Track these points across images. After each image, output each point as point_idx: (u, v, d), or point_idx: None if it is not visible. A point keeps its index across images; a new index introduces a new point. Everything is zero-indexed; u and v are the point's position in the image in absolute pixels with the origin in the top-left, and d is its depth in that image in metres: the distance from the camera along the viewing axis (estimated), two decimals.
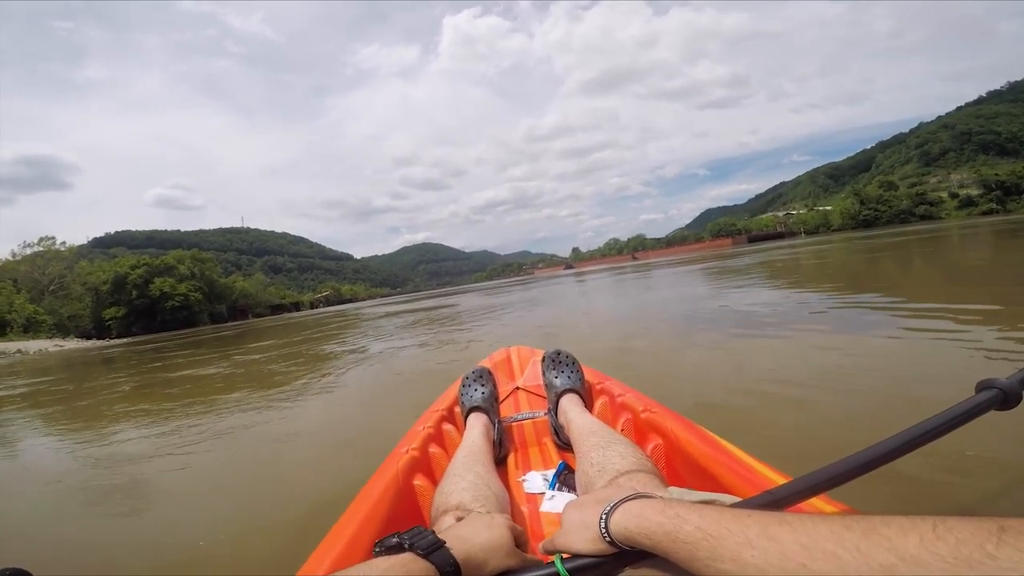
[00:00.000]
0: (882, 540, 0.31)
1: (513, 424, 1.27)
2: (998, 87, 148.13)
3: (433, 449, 1.09)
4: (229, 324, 42.56)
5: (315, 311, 54.45)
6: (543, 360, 1.29)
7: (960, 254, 9.02)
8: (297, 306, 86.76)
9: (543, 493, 1.00)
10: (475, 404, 1.20)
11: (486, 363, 1.49)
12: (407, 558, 0.49)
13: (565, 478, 1.02)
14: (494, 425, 1.16)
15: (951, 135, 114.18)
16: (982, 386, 0.70)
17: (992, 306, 3.42)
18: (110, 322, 46.72)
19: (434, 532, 0.54)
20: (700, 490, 0.61)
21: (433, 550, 0.51)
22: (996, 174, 74.19)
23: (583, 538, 0.52)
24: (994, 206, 67.43)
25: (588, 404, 1.18)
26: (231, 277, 78.02)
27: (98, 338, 41.90)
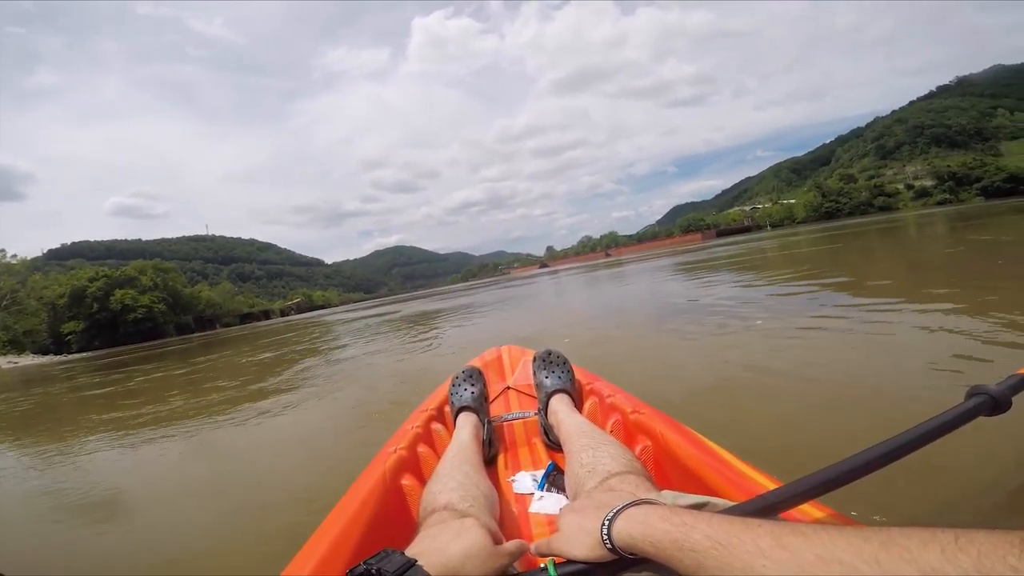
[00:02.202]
0: (902, 552, 0.30)
1: (503, 424, 1.26)
2: (947, 82, 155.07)
3: (421, 449, 1.08)
4: (196, 335, 41.26)
5: (286, 319, 53.33)
6: (534, 360, 1.29)
7: (917, 243, 9.42)
8: (267, 314, 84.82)
9: (532, 494, 1.00)
10: (464, 404, 1.19)
11: (476, 363, 1.48)
12: None
13: (554, 479, 1.01)
14: (483, 425, 1.15)
15: (905, 129, 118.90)
16: (972, 392, 0.72)
17: (945, 291, 3.56)
18: (69, 336, 44.79)
19: (402, 552, 0.52)
20: (690, 493, 0.60)
21: (403, 571, 0.49)
22: (948, 166, 78.11)
23: (582, 544, 0.51)
24: (947, 196, 70.87)
25: (578, 404, 1.18)
26: (197, 287, 75.69)
27: (56, 353, 40.13)
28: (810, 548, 0.34)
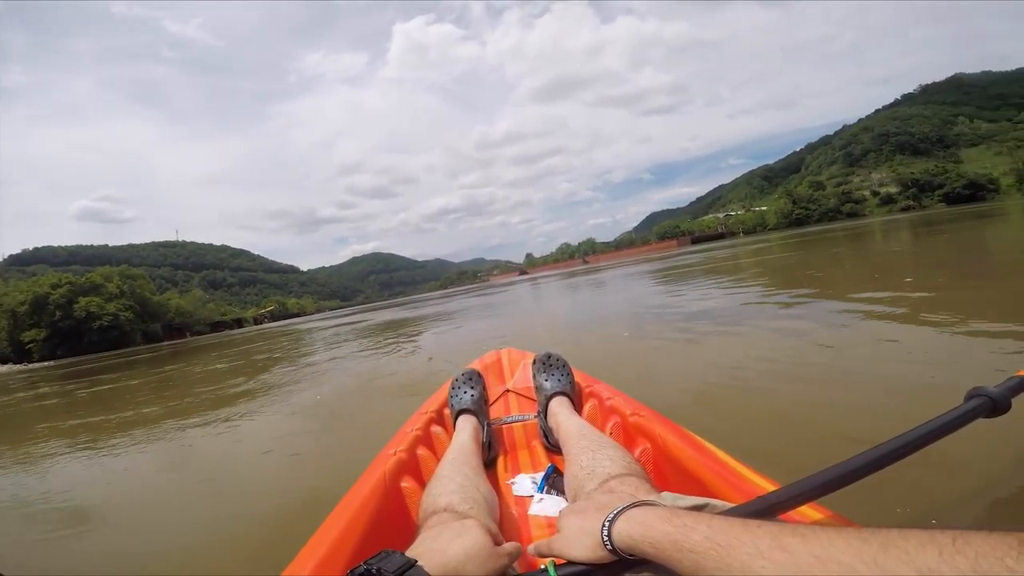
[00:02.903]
0: (900, 553, 0.30)
1: (503, 426, 1.26)
2: (911, 90, 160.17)
3: (421, 451, 1.08)
4: (165, 344, 40.04)
5: (259, 327, 52.25)
6: (533, 363, 1.30)
7: (883, 247, 9.79)
8: (240, 322, 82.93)
9: (532, 496, 1.00)
10: (464, 406, 1.19)
11: (476, 365, 1.48)
12: None
13: (554, 481, 1.01)
14: (483, 427, 1.15)
15: (871, 136, 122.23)
16: (971, 394, 0.73)
17: (900, 292, 3.71)
18: (30, 345, 42.95)
19: (403, 553, 0.53)
20: (689, 495, 0.61)
21: (403, 571, 0.49)
22: (912, 173, 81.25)
23: (582, 545, 0.51)
24: (911, 203, 73.61)
25: (577, 407, 1.19)
26: (166, 294, 73.39)
27: (16, 362, 38.41)
28: (808, 549, 0.34)
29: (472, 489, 0.80)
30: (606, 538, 0.48)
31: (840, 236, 16.95)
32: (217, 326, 73.00)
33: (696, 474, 0.79)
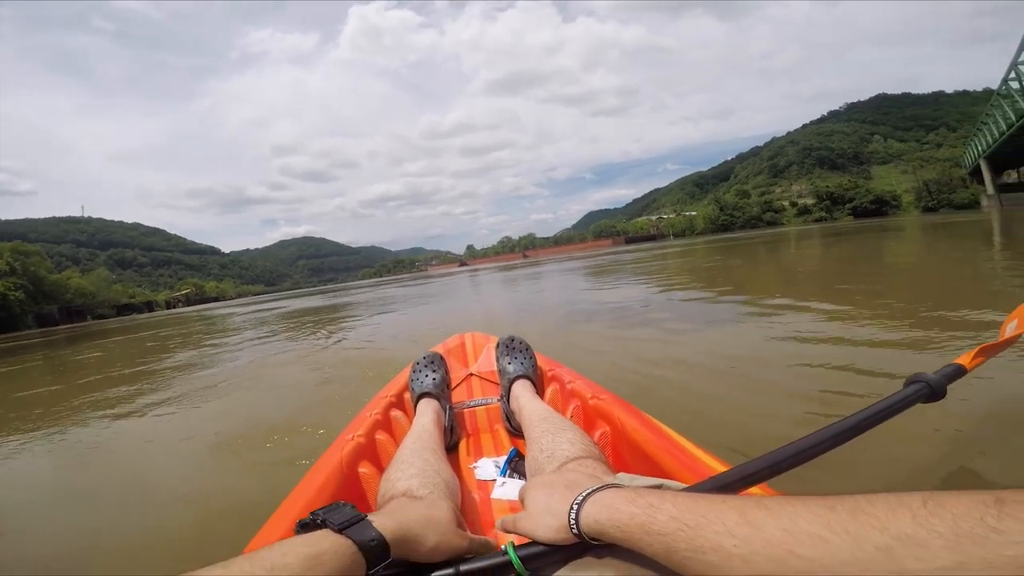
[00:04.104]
0: (871, 519, 0.30)
1: (465, 410, 1.24)
2: (838, 107, 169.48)
3: (380, 436, 1.05)
4: (62, 327, 36.23)
5: (172, 311, 48.56)
6: (497, 346, 1.29)
7: (795, 253, 10.70)
8: (150, 306, 76.73)
9: (494, 480, 0.99)
10: (425, 390, 1.16)
11: (439, 349, 1.45)
12: (320, 535, 0.46)
13: (516, 465, 1.01)
14: (445, 411, 1.13)
15: (796, 150, 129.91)
16: (911, 380, 0.76)
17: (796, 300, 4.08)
18: None
19: (354, 507, 0.51)
20: (646, 476, 0.60)
21: (349, 524, 0.47)
22: (827, 186, 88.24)
23: (547, 525, 0.50)
24: (824, 214, 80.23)
25: (540, 390, 1.19)
26: (64, 273, 66.51)
27: None
28: (777, 523, 0.33)
29: (432, 473, 0.78)
30: (573, 522, 0.47)
31: (758, 243, 18.32)
32: (124, 309, 67.16)
33: (653, 456, 0.81)
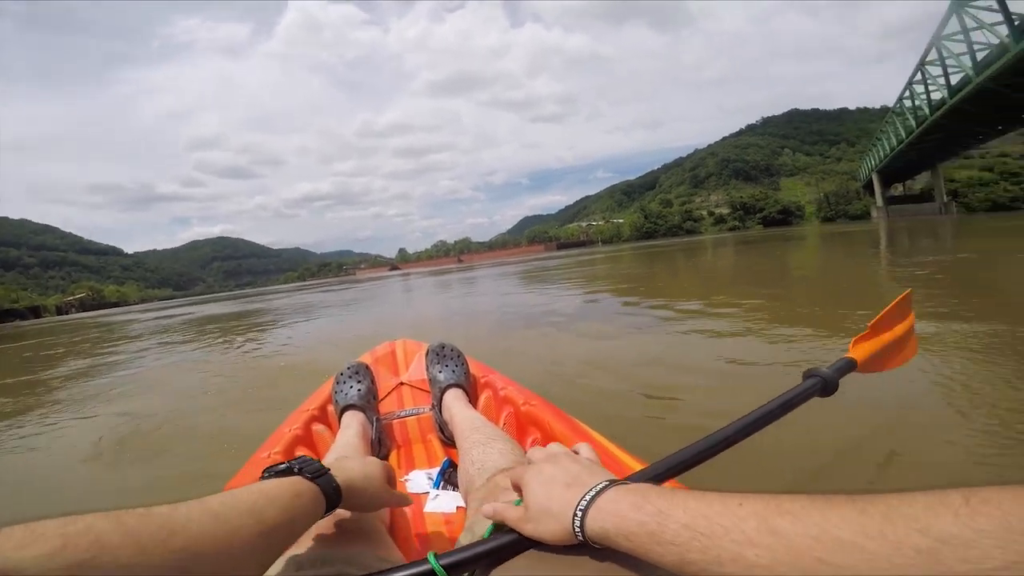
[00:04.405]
0: (909, 521, 0.27)
1: (395, 421, 1.20)
2: (755, 121, 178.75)
3: (301, 452, 0.99)
4: None
5: (64, 317, 43.65)
6: (427, 354, 1.25)
7: (710, 260, 11.55)
8: (36, 311, 68.59)
9: (427, 492, 0.97)
10: (350, 402, 1.11)
11: (366, 358, 1.39)
12: (296, 480, 0.50)
13: (450, 476, 0.99)
14: (372, 423, 1.08)
15: (715, 161, 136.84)
16: (807, 375, 0.80)
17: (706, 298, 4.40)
18: None
19: (320, 463, 0.56)
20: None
21: (319, 475, 0.53)
22: (741, 197, 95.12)
23: (549, 529, 0.46)
24: (737, 223, 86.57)
25: (473, 398, 1.18)
26: None
27: None
28: (802, 529, 0.31)
29: None
30: (578, 529, 0.44)
31: (678, 250, 19.49)
32: (6, 315, 59.38)
33: None
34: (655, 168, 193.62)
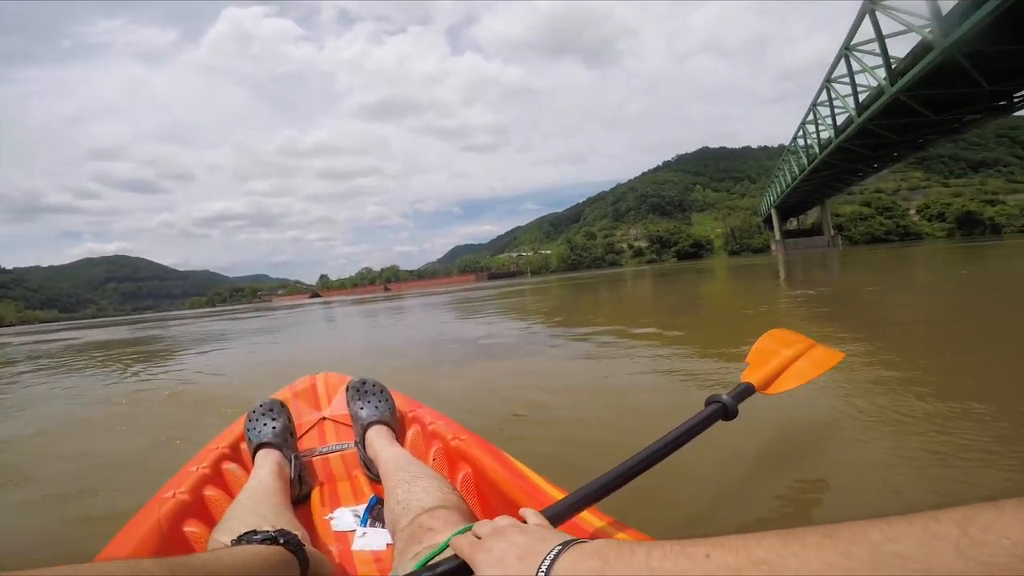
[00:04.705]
0: (904, 563, 0.24)
1: (318, 458, 1.15)
2: (670, 158, 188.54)
3: (210, 492, 0.93)
4: None
5: None
6: (347, 390, 1.22)
7: (629, 291, 12.17)
8: None
9: (354, 531, 0.94)
10: (263, 440, 1.05)
11: (284, 393, 1.32)
12: (281, 549, 0.57)
13: (378, 512, 0.96)
14: (289, 461, 1.04)
15: (635, 196, 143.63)
16: (709, 401, 0.87)
17: (648, 327, 4.67)
18: None
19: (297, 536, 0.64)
20: (506, 515, 0.60)
21: (297, 549, 0.60)
22: (658, 231, 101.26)
23: None
24: (654, 256, 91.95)
25: (400, 433, 1.16)
26: None
27: None
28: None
29: (270, 528, 0.71)
30: None
31: (601, 281, 20.37)
32: None
33: (509, 494, 0.84)
34: (580, 201, 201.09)
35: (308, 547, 0.65)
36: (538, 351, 4.08)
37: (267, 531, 0.61)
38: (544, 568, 0.42)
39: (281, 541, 0.59)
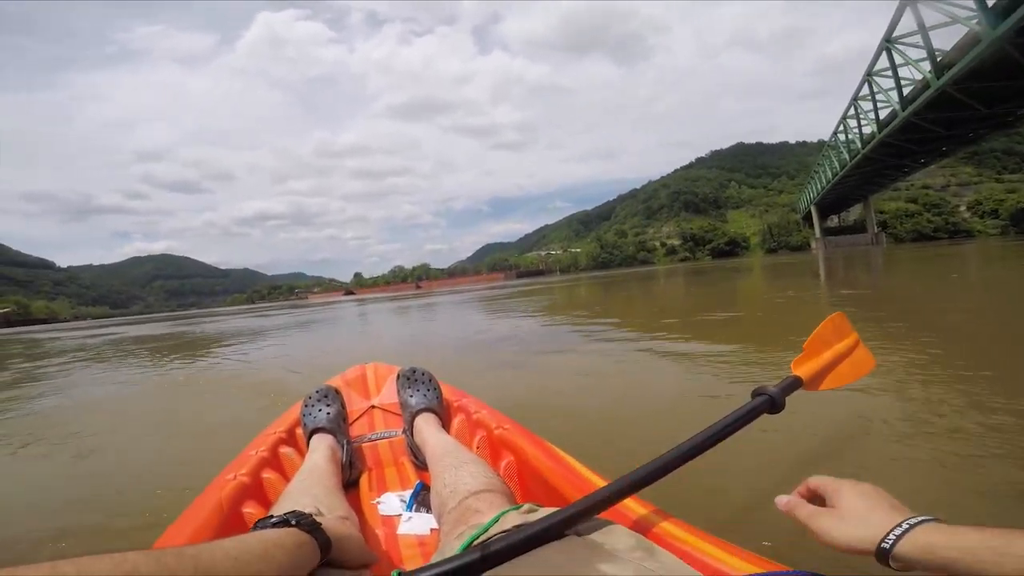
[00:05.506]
0: None
1: (366, 444, 1.18)
2: (704, 154, 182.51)
3: (268, 475, 0.97)
4: None
5: None
6: (398, 378, 1.25)
7: (661, 289, 11.89)
8: None
9: (400, 515, 0.96)
10: (318, 425, 1.09)
11: (336, 381, 1.36)
12: (295, 531, 0.53)
13: (423, 498, 0.99)
14: (342, 446, 1.07)
15: (667, 193, 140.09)
16: (756, 392, 0.83)
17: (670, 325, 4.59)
18: None
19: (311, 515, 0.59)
20: (547, 505, 0.64)
21: (314, 528, 0.56)
22: (691, 228, 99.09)
23: (850, 533, 0.48)
24: (688, 254, 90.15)
25: (446, 422, 1.18)
26: None
27: None
28: None
29: (325, 509, 0.75)
30: (888, 542, 0.45)
31: (632, 280, 20.00)
32: None
33: (552, 483, 0.85)
34: (611, 199, 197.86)
35: (348, 531, 0.63)
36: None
37: (274, 516, 0.57)
38: (910, 523, 0.45)
39: (294, 522, 0.55)
